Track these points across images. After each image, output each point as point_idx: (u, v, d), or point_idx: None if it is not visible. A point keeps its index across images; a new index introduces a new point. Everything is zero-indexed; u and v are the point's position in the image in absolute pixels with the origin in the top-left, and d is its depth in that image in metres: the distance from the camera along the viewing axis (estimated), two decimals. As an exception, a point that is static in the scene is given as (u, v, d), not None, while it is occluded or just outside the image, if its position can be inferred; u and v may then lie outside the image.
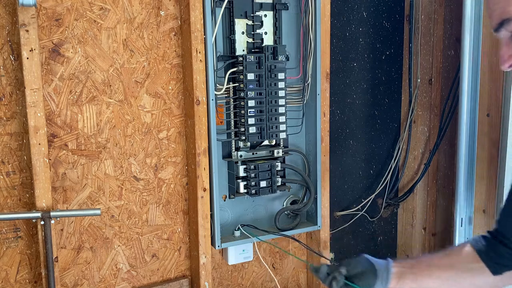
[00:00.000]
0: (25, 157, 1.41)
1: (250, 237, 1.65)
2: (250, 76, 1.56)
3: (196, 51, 1.49)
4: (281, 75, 1.61)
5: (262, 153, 1.69)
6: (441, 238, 2.21)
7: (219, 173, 1.61)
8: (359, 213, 2.11)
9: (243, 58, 1.54)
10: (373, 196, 2.13)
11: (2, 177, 1.40)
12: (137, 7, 1.50)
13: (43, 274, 1.40)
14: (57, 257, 1.41)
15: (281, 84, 1.61)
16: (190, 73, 1.52)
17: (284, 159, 1.72)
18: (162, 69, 1.57)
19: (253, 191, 1.61)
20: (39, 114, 1.33)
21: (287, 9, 1.67)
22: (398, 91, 2.16)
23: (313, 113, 1.72)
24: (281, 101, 1.62)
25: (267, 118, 1.61)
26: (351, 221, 2.11)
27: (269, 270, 1.87)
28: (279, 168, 1.65)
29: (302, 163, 1.77)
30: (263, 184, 1.62)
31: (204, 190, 1.56)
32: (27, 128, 1.34)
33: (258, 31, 1.63)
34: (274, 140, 1.70)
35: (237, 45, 1.61)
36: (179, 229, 1.67)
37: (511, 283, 1.11)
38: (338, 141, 2.03)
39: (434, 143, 2.12)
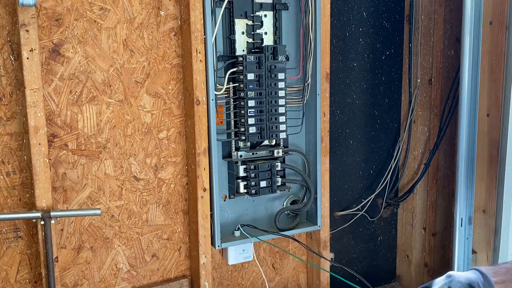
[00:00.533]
0: (25, 157, 1.41)
1: (250, 237, 1.65)
2: (250, 76, 1.56)
3: (196, 51, 1.49)
4: (281, 75, 1.61)
5: (262, 153, 1.69)
6: (441, 238, 2.21)
7: (219, 173, 1.61)
8: (359, 213, 2.11)
9: (243, 58, 1.54)
10: (373, 196, 2.13)
11: (2, 177, 1.40)
12: (137, 7, 1.50)
13: (43, 274, 1.40)
14: (57, 257, 1.41)
15: (281, 84, 1.61)
16: (190, 73, 1.52)
17: (284, 159, 1.72)
18: (162, 69, 1.57)
19: (253, 191, 1.61)
20: (39, 114, 1.33)
21: (287, 9, 1.67)
22: (398, 91, 2.16)
23: (313, 113, 1.72)
24: (281, 101, 1.62)
25: (267, 118, 1.61)
26: (351, 221, 2.11)
27: (269, 270, 1.87)
28: (279, 168, 1.65)
29: (302, 163, 1.77)
30: (263, 184, 1.62)
31: (204, 190, 1.56)
32: (27, 128, 1.35)
33: (258, 31, 1.63)
34: (274, 140, 1.70)
35: (237, 45, 1.61)
36: (179, 229, 1.67)
37: None
38: (338, 141, 2.03)
39: (434, 143, 2.12)
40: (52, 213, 1.35)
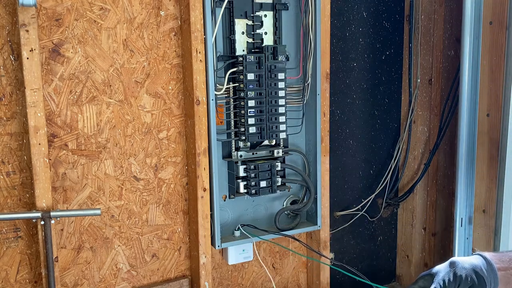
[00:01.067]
0: (25, 157, 1.41)
1: (250, 237, 1.65)
2: (250, 76, 1.56)
3: (196, 51, 1.49)
4: (281, 75, 1.61)
5: (262, 153, 1.69)
6: (441, 238, 2.21)
7: (219, 173, 1.61)
8: (359, 213, 2.11)
9: (243, 58, 1.54)
10: (373, 196, 2.13)
11: (2, 177, 1.40)
12: (137, 7, 1.50)
13: (43, 274, 1.40)
14: (57, 257, 1.41)
15: (281, 84, 1.61)
16: (190, 73, 1.52)
17: (284, 159, 1.72)
18: (162, 69, 1.57)
19: (253, 191, 1.61)
20: (39, 114, 1.33)
21: (287, 9, 1.67)
22: (398, 91, 2.16)
23: (313, 113, 1.72)
24: (281, 101, 1.62)
25: (267, 118, 1.61)
26: (351, 221, 2.11)
27: (269, 270, 1.87)
28: (279, 168, 1.65)
29: (302, 163, 1.77)
30: (263, 184, 1.62)
31: (204, 190, 1.56)
32: (27, 128, 1.35)
33: (258, 31, 1.63)
34: (274, 140, 1.70)
35: (237, 45, 1.61)
36: (179, 229, 1.67)
37: None
38: (338, 141, 2.03)
39: (434, 143, 2.12)
40: (52, 213, 1.35)
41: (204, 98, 1.52)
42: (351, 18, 1.99)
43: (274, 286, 1.89)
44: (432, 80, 2.11)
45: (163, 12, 1.54)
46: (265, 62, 1.57)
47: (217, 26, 1.53)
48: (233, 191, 1.65)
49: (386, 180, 2.14)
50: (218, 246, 1.61)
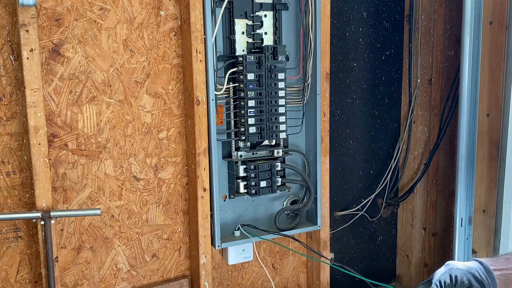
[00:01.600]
0: (25, 157, 1.41)
1: (250, 237, 1.65)
2: (250, 76, 1.56)
3: (196, 51, 1.49)
4: (281, 75, 1.61)
5: (262, 153, 1.69)
6: (441, 238, 2.21)
7: (219, 173, 1.61)
8: (359, 213, 2.11)
9: (243, 58, 1.54)
10: (373, 196, 2.13)
11: (2, 177, 1.40)
12: (137, 7, 1.50)
13: (43, 274, 1.40)
14: (57, 257, 1.41)
15: (281, 84, 1.61)
16: (190, 73, 1.52)
17: (284, 159, 1.72)
18: (162, 69, 1.57)
19: (253, 191, 1.61)
20: (39, 114, 1.33)
21: (287, 9, 1.67)
22: (398, 91, 2.16)
23: (313, 113, 1.72)
24: (281, 101, 1.62)
25: (267, 118, 1.61)
26: (351, 221, 2.11)
27: (269, 270, 1.87)
28: (279, 168, 1.65)
29: (302, 163, 1.77)
30: (263, 184, 1.62)
31: (204, 190, 1.57)
32: (27, 128, 1.35)
33: (258, 31, 1.63)
34: (274, 140, 1.70)
35: (237, 45, 1.61)
36: (179, 229, 1.67)
37: None
38: (338, 141, 2.03)
39: (434, 143, 2.12)
40: (52, 213, 1.35)
41: (204, 98, 1.52)
42: (351, 18, 1.99)
43: (273, 286, 1.89)
44: (432, 80, 2.11)
45: (163, 12, 1.54)
46: (265, 62, 1.57)
47: (217, 26, 1.53)
48: (233, 191, 1.65)
49: (386, 180, 2.14)
50: (218, 246, 1.61)
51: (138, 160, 1.57)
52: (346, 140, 2.05)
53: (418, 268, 2.25)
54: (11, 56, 1.36)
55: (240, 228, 1.67)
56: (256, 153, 1.67)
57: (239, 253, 1.72)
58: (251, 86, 1.57)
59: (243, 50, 1.63)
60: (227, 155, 1.66)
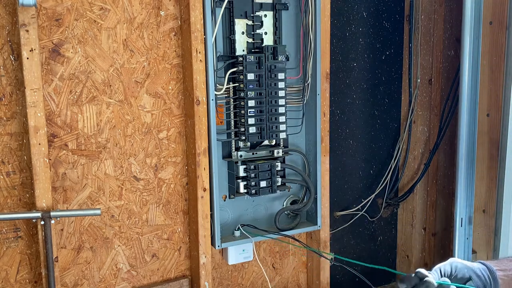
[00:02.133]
0: (25, 157, 1.41)
1: (250, 237, 1.65)
2: (250, 76, 1.56)
3: (196, 51, 1.49)
4: (281, 75, 1.61)
5: (262, 153, 1.69)
6: (441, 238, 2.21)
7: (219, 173, 1.61)
8: (359, 213, 2.11)
9: (243, 58, 1.54)
10: (373, 196, 2.13)
11: (2, 177, 1.40)
12: (137, 7, 1.50)
13: (43, 274, 1.40)
14: (57, 257, 1.41)
15: (281, 84, 1.61)
16: (190, 73, 1.52)
17: (284, 159, 1.72)
18: (162, 69, 1.57)
19: (253, 191, 1.61)
20: (39, 114, 1.33)
21: (287, 9, 1.67)
22: (398, 91, 2.16)
23: (313, 113, 1.72)
24: (281, 101, 1.62)
25: (267, 118, 1.61)
26: (351, 221, 2.11)
27: (269, 270, 1.87)
28: (279, 168, 1.65)
29: (302, 163, 1.77)
30: (263, 184, 1.62)
31: (204, 190, 1.57)
32: (27, 128, 1.35)
33: (258, 31, 1.63)
34: (274, 140, 1.70)
35: (237, 45, 1.61)
36: (179, 229, 1.67)
37: None
38: (338, 141, 2.03)
39: (434, 143, 2.12)
40: (52, 213, 1.35)
41: (204, 98, 1.52)
42: (351, 18, 1.99)
43: (273, 286, 1.89)
44: (432, 80, 2.11)
45: (163, 12, 1.54)
46: (265, 62, 1.57)
47: (217, 26, 1.53)
48: (233, 191, 1.65)
49: (386, 180, 2.14)
50: (218, 246, 1.61)
51: (138, 160, 1.57)
52: (346, 140, 2.05)
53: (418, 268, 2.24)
54: (11, 56, 1.36)
55: (240, 228, 1.67)
56: (256, 153, 1.68)
57: (239, 253, 1.72)
58: (251, 86, 1.57)
59: (243, 50, 1.63)
60: (227, 155, 1.66)
